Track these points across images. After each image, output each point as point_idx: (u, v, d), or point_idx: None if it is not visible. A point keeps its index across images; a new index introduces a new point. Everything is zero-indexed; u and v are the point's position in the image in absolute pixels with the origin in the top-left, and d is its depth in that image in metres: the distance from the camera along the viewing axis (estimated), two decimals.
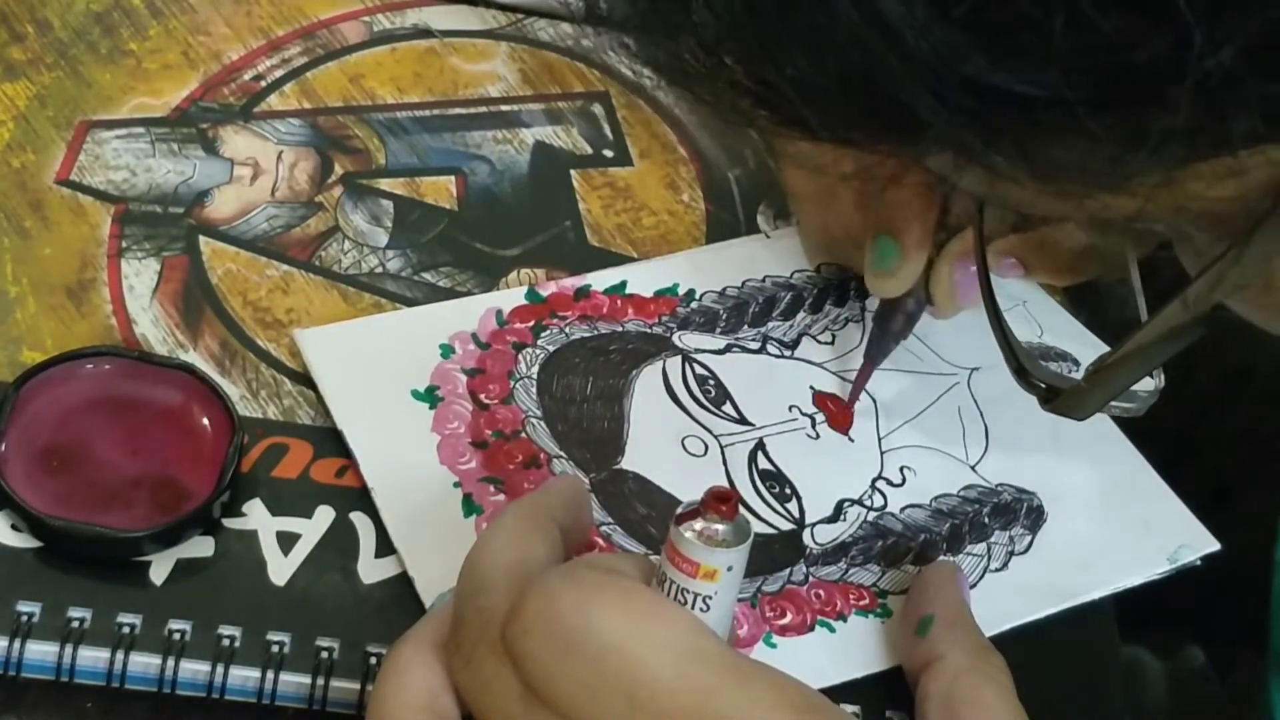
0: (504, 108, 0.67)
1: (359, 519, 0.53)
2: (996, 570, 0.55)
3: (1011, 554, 0.56)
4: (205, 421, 0.54)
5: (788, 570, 0.54)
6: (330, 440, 0.55)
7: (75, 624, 0.50)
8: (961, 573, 0.53)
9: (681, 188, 0.66)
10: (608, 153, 0.66)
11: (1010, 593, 0.55)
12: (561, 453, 0.55)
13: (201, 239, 0.60)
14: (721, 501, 0.43)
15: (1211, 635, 0.79)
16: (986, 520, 0.56)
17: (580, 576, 0.42)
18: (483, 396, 0.56)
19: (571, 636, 0.40)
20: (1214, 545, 0.56)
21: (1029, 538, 0.56)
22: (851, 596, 0.54)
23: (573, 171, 0.65)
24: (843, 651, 0.52)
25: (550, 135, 0.66)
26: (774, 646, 0.52)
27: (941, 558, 0.55)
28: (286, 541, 0.52)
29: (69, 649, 0.49)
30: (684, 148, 0.67)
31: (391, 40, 0.68)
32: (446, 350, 0.57)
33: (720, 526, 0.43)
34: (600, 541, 0.53)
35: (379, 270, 0.61)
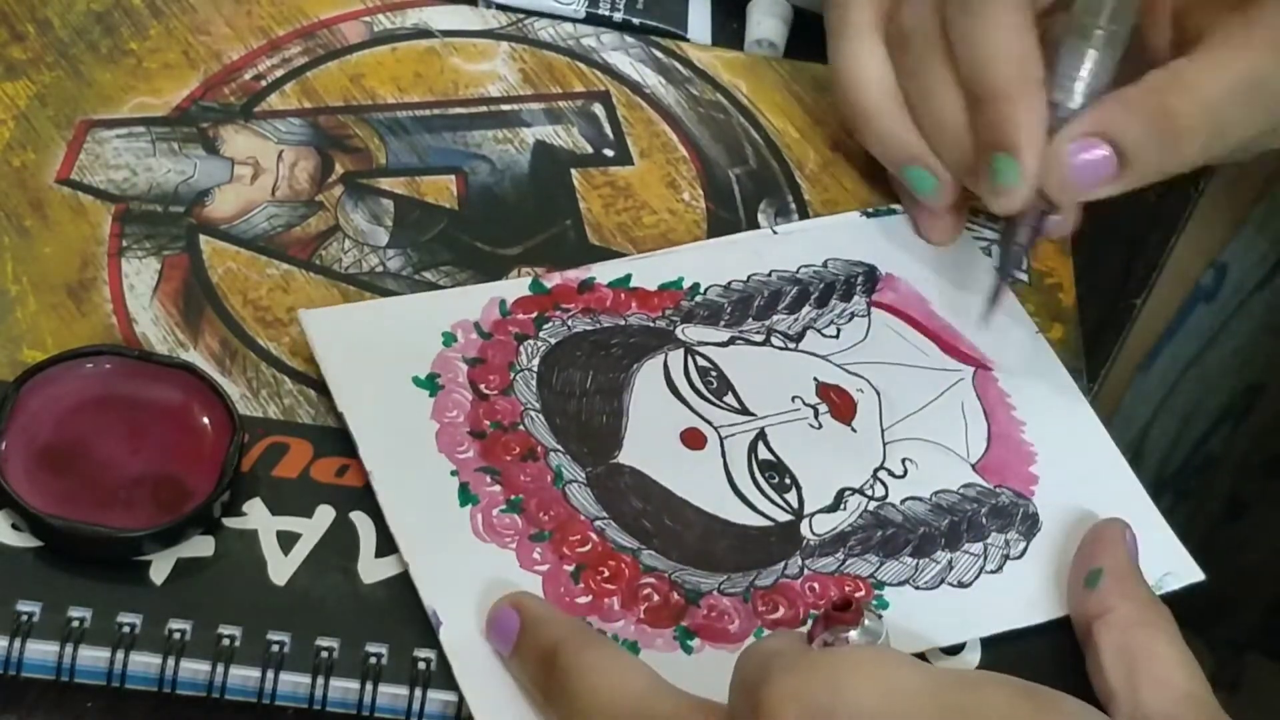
0: (504, 107, 0.67)
1: (359, 518, 0.53)
2: (992, 572, 0.55)
3: (1007, 558, 0.56)
4: (206, 420, 0.54)
5: (782, 564, 0.54)
6: (331, 439, 0.55)
7: (75, 624, 0.50)
8: (1131, 530, 0.55)
9: (682, 186, 0.66)
10: (608, 152, 0.66)
11: (1005, 596, 0.55)
12: (559, 446, 0.55)
13: (202, 238, 0.60)
14: (843, 610, 0.44)
15: (1219, 643, 0.79)
16: (984, 521, 0.56)
17: (811, 657, 0.43)
18: (483, 386, 0.56)
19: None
20: (1198, 575, 0.57)
21: (1024, 544, 0.56)
22: (847, 589, 0.54)
23: (573, 170, 0.65)
24: None
25: (550, 135, 0.66)
26: None
27: (939, 552, 0.55)
28: (287, 541, 0.52)
29: (69, 649, 0.49)
30: (684, 147, 0.67)
31: (392, 40, 0.68)
32: (449, 338, 0.57)
33: (850, 634, 0.44)
34: (594, 537, 0.53)
35: (379, 269, 0.61)
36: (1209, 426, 0.83)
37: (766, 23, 0.72)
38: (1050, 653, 0.54)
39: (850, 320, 0.61)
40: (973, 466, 0.58)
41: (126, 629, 0.50)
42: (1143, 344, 0.74)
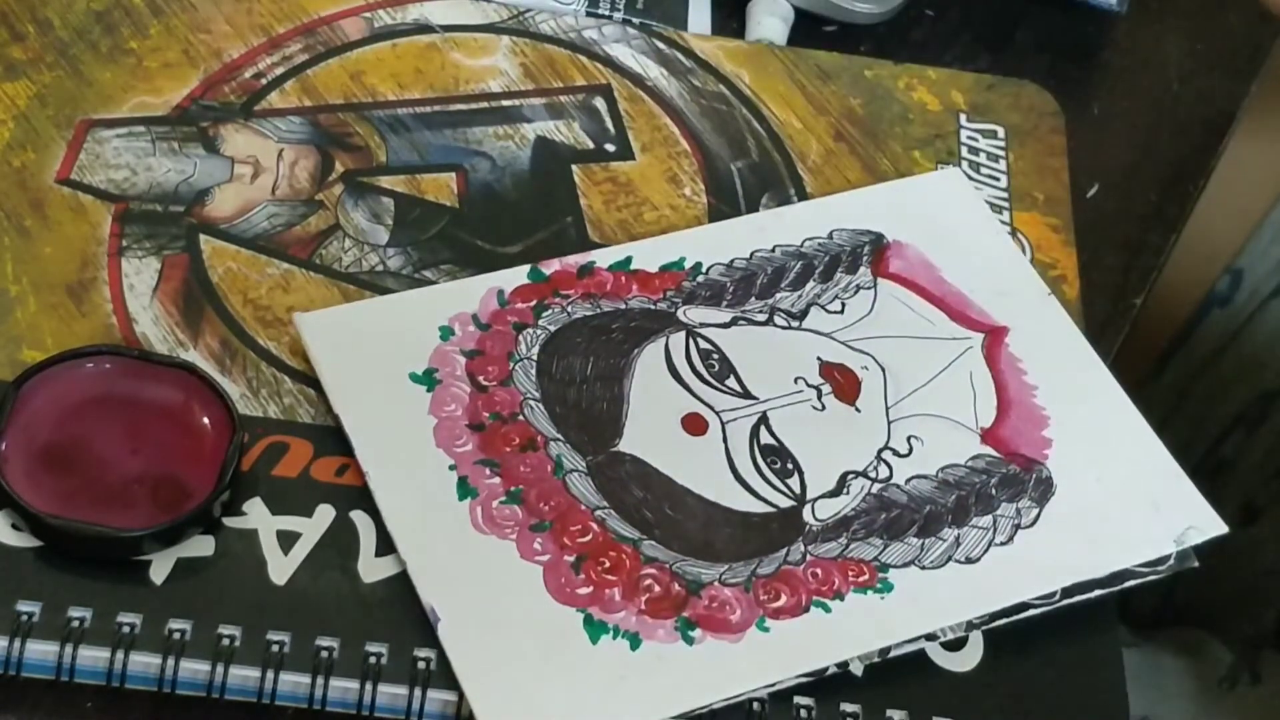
0: (505, 103, 0.67)
1: (359, 518, 0.53)
2: (1002, 544, 0.55)
3: (1018, 527, 0.55)
4: (205, 420, 0.54)
5: (784, 550, 0.54)
6: (330, 439, 0.55)
7: (75, 623, 0.50)
8: None
9: (683, 181, 0.65)
10: (609, 147, 0.66)
11: (1015, 568, 0.54)
12: (559, 435, 0.55)
13: (202, 237, 0.60)
14: None
15: (1235, 641, 0.79)
16: (994, 492, 0.56)
17: None
18: (481, 378, 0.56)
19: None
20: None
21: (1036, 510, 0.55)
22: (850, 573, 0.53)
23: (574, 166, 0.65)
24: (837, 632, 0.52)
25: (551, 130, 0.66)
26: (767, 630, 0.52)
27: (945, 529, 0.54)
28: (286, 540, 0.52)
29: (69, 648, 0.49)
30: (686, 140, 0.67)
31: (392, 36, 0.68)
32: (446, 332, 0.57)
33: None
34: (595, 527, 0.53)
35: (380, 268, 0.61)
36: (1222, 432, 0.82)
37: (766, 23, 0.72)
38: (1050, 654, 0.53)
39: (856, 294, 0.61)
40: (981, 437, 0.57)
41: (126, 629, 0.50)
42: (1154, 347, 0.74)
